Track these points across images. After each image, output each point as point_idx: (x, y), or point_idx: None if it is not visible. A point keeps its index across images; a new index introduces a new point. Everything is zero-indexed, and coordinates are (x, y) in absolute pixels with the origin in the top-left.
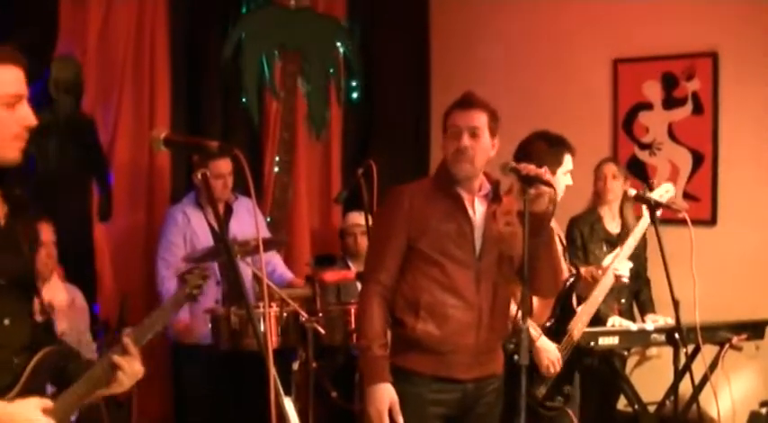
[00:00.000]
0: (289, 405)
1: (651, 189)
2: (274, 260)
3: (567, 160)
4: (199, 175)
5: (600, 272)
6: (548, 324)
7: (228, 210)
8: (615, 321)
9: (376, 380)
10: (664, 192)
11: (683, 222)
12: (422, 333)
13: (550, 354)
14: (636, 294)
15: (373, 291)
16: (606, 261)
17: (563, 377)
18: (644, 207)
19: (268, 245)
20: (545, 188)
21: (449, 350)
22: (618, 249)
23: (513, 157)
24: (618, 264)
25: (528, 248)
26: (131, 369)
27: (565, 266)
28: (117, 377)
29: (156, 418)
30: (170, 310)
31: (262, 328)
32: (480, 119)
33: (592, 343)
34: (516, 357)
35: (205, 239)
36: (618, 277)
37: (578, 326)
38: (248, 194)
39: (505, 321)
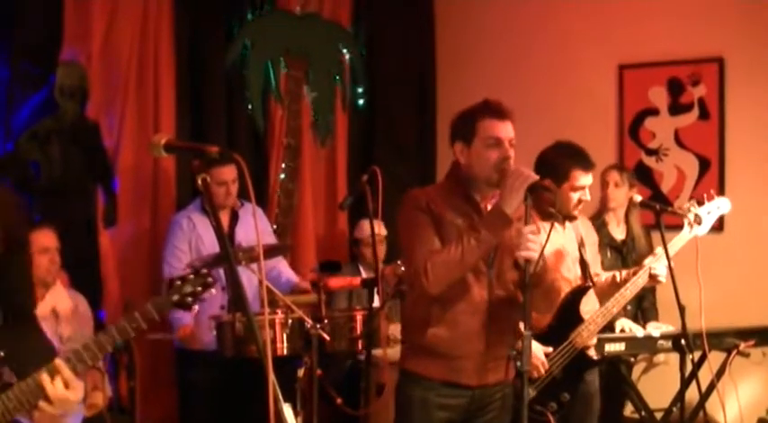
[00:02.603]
0: (288, 412)
1: (701, 203)
2: (280, 266)
3: (577, 176)
4: (199, 181)
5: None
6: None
7: (234, 216)
8: (625, 324)
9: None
10: (715, 208)
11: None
12: (432, 337)
13: (534, 357)
14: (639, 300)
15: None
16: (648, 261)
17: (561, 383)
18: (685, 221)
19: (272, 251)
20: (548, 195)
21: (458, 355)
22: (660, 249)
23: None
24: (656, 264)
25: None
26: (55, 394)
27: (578, 274)
28: (38, 404)
29: None
30: (148, 318)
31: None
32: (513, 130)
33: (603, 352)
34: (518, 364)
35: (211, 245)
36: (654, 276)
37: (583, 334)
38: (248, 198)
39: (515, 329)
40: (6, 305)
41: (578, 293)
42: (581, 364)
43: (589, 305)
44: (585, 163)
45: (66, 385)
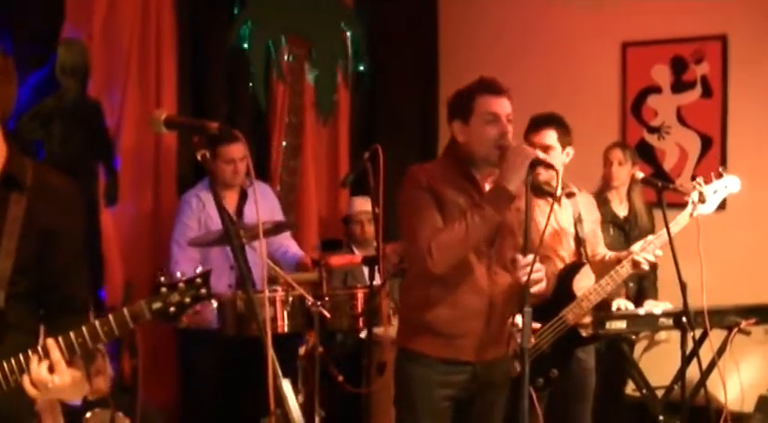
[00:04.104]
0: (287, 387)
1: (708, 182)
2: (286, 242)
3: (537, 137)
4: (199, 157)
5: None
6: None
7: (243, 194)
8: (621, 304)
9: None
10: (722, 187)
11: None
12: (432, 317)
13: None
14: (640, 278)
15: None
16: (636, 247)
17: (550, 359)
18: (689, 201)
19: (278, 228)
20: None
21: (459, 334)
22: (651, 237)
23: None
24: (645, 252)
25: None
26: (38, 377)
27: (572, 250)
28: (22, 380)
29: (163, 402)
30: (121, 325)
31: (268, 313)
32: (510, 106)
33: (600, 330)
34: (519, 340)
35: (219, 224)
36: (637, 264)
37: (575, 311)
38: (249, 176)
39: (514, 307)
40: (47, 298)
41: (572, 270)
42: (571, 341)
43: (584, 282)
44: (539, 124)
45: (51, 370)
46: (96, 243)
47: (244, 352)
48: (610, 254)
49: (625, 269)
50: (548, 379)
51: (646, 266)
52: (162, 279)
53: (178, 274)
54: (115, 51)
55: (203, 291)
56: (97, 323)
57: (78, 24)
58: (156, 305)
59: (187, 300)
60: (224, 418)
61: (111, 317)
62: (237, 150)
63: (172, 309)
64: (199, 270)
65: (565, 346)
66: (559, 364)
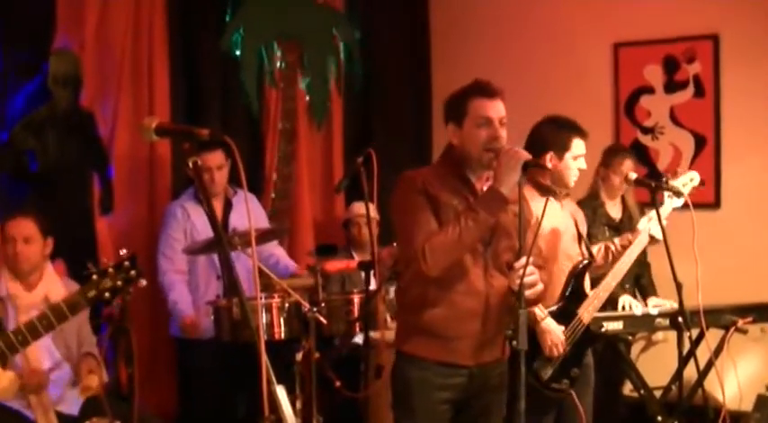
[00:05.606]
0: (281, 393)
1: (675, 177)
2: (276, 251)
3: (577, 145)
4: (190, 164)
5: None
6: (554, 308)
7: (228, 204)
8: (626, 301)
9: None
10: (688, 180)
11: (685, 205)
12: (428, 318)
13: (554, 336)
14: (637, 279)
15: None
16: (641, 225)
17: (571, 360)
18: (665, 195)
19: (267, 235)
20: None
21: (455, 336)
22: (652, 213)
23: (524, 142)
24: (652, 227)
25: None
26: None
27: (578, 251)
28: None
29: (161, 409)
30: (60, 316)
31: (264, 320)
32: (503, 109)
33: (602, 328)
34: (515, 342)
35: (205, 233)
36: (653, 238)
37: (588, 309)
38: (239, 182)
39: (511, 308)
40: None
41: (582, 270)
42: (586, 339)
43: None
44: (582, 131)
45: None
46: (92, 251)
47: (240, 358)
48: (612, 244)
49: (624, 264)
50: (572, 379)
51: (659, 236)
52: (90, 268)
53: (105, 260)
54: (107, 61)
55: (132, 272)
56: (35, 319)
57: (70, 34)
58: (91, 293)
59: (119, 283)
60: None
61: (48, 311)
62: (213, 159)
63: (107, 294)
64: (123, 253)
65: (581, 345)
66: (578, 363)
